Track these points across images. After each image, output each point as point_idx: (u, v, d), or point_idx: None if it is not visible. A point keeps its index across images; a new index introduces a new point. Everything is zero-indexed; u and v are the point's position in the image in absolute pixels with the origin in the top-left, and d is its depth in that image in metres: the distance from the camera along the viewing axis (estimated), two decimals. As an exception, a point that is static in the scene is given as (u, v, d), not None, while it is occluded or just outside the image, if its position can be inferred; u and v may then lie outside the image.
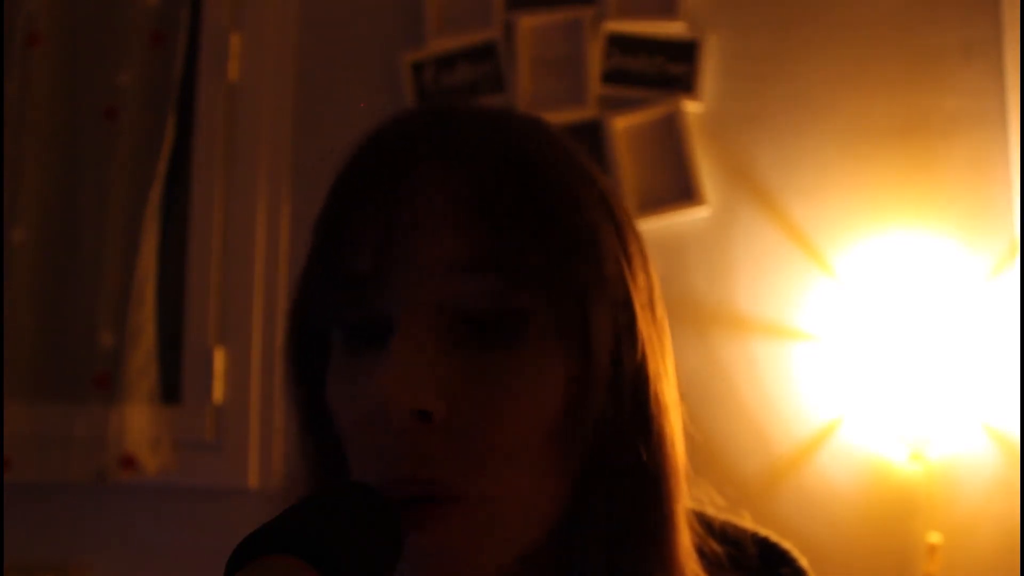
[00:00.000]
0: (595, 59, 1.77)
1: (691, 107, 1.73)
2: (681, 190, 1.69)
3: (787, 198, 1.68)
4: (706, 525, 0.64)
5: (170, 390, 1.90)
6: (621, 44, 1.77)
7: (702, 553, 0.62)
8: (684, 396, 0.62)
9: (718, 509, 0.67)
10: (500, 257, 0.53)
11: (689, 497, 0.62)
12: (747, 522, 0.68)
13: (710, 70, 1.74)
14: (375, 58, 1.90)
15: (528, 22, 1.81)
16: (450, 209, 0.54)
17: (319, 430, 0.61)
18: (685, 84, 1.73)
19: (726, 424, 1.64)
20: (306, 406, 0.62)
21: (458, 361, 0.53)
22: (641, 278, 0.60)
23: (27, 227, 1.93)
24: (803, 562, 0.68)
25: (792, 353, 1.64)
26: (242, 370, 1.88)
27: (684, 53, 1.74)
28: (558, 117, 1.70)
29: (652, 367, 0.58)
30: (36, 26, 1.97)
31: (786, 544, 0.69)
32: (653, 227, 1.68)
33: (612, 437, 0.56)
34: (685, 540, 0.60)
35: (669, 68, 1.75)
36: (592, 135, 1.72)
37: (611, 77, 1.76)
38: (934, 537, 1.52)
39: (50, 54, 1.98)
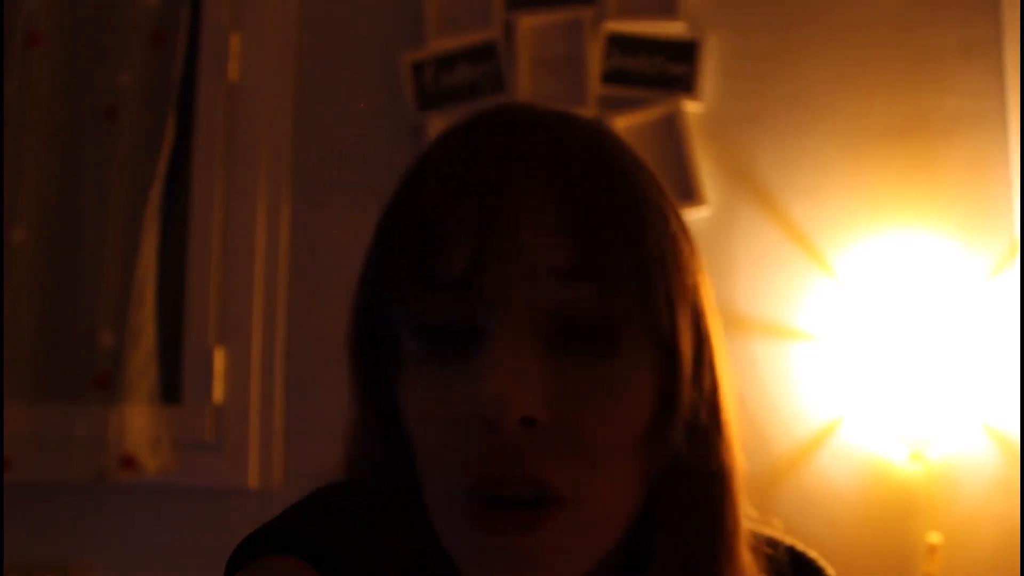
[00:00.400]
0: (595, 59, 1.77)
1: (691, 107, 1.73)
2: (681, 190, 1.69)
3: (787, 198, 1.68)
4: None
5: (170, 390, 1.90)
6: (621, 44, 1.77)
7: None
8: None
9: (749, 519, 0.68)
10: (599, 265, 0.54)
11: None
12: (776, 531, 0.68)
13: (710, 70, 1.74)
14: (375, 58, 1.90)
15: (528, 22, 1.81)
16: (548, 216, 0.54)
17: (387, 434, 0.60)
18: (685, 84, 1.73)
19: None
20: (376, 409, 0.61)
21: (556, 367, 0.54)
22: (708, 287, 0.61)
23: (27, 227, 1.93)
24: (831, 571, 0.70)
25: (792, 353, 1.64)
26: (242, 370, 1.88)
27: (684, 53, 1.74)
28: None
29: (721, 376, 0.60)
30: (36, 26, 1.97)
31: (813, 553, 0.70)
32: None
33: (690, 442, 0.58)
34: (746, 544, 0.61)
35: (669, 68, 1.75)
36: (592, 135, 1.72)
37: (611, 77, 1.76)
38: (934, 537, 1.52)
39: (50, 54, 1.98)
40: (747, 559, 0.61)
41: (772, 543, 0.67)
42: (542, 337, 0.54)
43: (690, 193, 1.69)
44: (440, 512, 0.56)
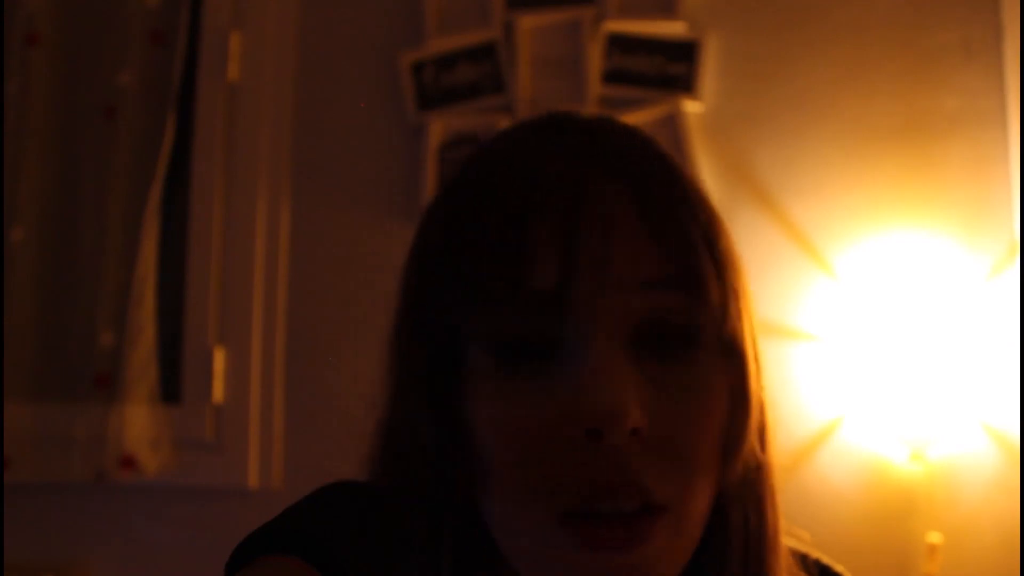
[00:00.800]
0: (595, 59, 1.77)
1: (691, 107, 1.73)
2: (681, 190, 1.69)
3: (787, 198, 1.68)
4: None
5: (170, 390, 1.90)
6: (621, 44, 1.77)
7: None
8: None
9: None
10: (684, 274, 0.54)
11: None
12: (803, 543, 0.69)
13: (710, 70, 1.74)
14: (375, 58, 1.90)
15: (528, 22, 1.81)
16: (632, 225, 0.54)
17: (453, 446, 0.57)
18: (685, 84, 1.73)
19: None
20: (442, 420, 0.57)
21: (646, 375, 0.54)
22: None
23: (27, 227, 1.93)
24: None
25: (792, 353, 1.64)
26: (242, 370, 1.88)
27: (684, 53, 1.74)
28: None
29: (765, 377, 0.61)
30: (36, 26, 1.97)
31: (840, 568, 0.70)
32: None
33: (748, 447, 0.58)
34: (786, 549, 0.62)
35: (669, 68, 1.75)
36: (592, 135, 1.72)
37: (611, 77, 1.76)
38: (934, 537, 1.52)
39: (50, 54, 1.98)
40: (789, 566, 0.62)
41: (801, 557, 0.67)
42: (632, 346, 0.54)
43: (690, 193, 1.69)
44: (525, 532, 0.54)
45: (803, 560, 0.67)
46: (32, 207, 1.94)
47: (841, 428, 1.61)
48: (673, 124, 1.72)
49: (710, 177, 1.71)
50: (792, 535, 0.67)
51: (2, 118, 1.94)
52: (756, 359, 0.60)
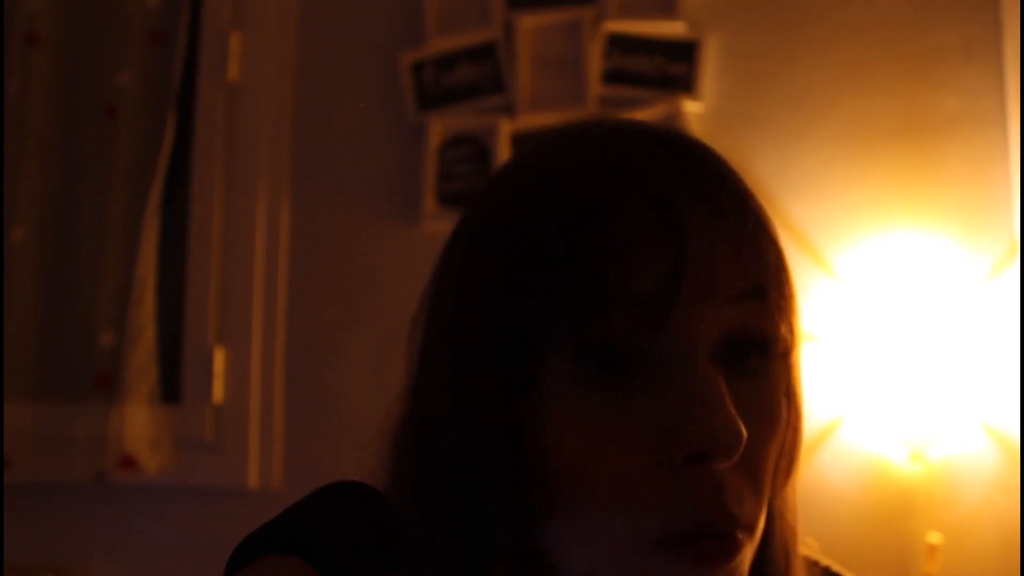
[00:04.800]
0: (595, 59, 1.77)
1: (691, 107, 1.73)
2: (681, 190, 1.69)
3: (787, 198, 1.68)
4: None
5: (170, 390, 1.90)
6: (621, 44, 1.77)
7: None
8: None
9: None
10: (767, 289, 0.54)
11: None
12: (813, 551, 0.69)
13: (710, 70, 1.74)
14: (375, 58, 1.90)
15: (528, 22, 1.81)
16: (730, 238, 0.53)
17: (525, 467, 0.53)
18: (685, 84, 1.73)
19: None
20: (516, 440, 0.53)
21: (732, 393, 0.52)
22: None
23: (27, 227, 1.93)
24: None
25: (792, 353, 1.64)
26: (242, 370, 1.88)
27: (684, 53, 1.74)
28: (558, 117, 1.70)
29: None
30: (36, 26, 1.97)
31: (849, 575, 0.69)
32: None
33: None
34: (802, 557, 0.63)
35: (669, 68, 1.75)
36: (592, 135, 1.72)
37: (611, 77, 1.76)
38: (934, 537, 1.52)
39: (50, 54, 1.98)
40: (804, 571, 0.62)
41: (812, 564, 0.67)
42: (717, 361, 0.52)
43: (690, 193, 1.69)
44: (612, 555, 0.51)
45: (812, 567, 0.67)
46: (32, 207, 1.94)
47: (841, 428, 1.61)
48: (673, 124, 1.72)
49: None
50: (801, 542, 0.67)
51: (2, 118, 1.94)
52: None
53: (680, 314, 0.50)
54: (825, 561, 0.69)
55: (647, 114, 1.73)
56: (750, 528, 0.52)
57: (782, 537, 0.60)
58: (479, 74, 1.83)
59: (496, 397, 0.53)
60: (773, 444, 0.55)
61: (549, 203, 0.53)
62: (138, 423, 1.82)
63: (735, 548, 0.51)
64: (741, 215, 0.54)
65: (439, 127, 1.82)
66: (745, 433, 0.49)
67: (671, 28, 1.76)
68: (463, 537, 0.54)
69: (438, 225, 1.75)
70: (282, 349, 1.88)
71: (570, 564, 0.53)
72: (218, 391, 1.88)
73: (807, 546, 0.67)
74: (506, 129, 1.79)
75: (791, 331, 0.57)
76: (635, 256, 0.50)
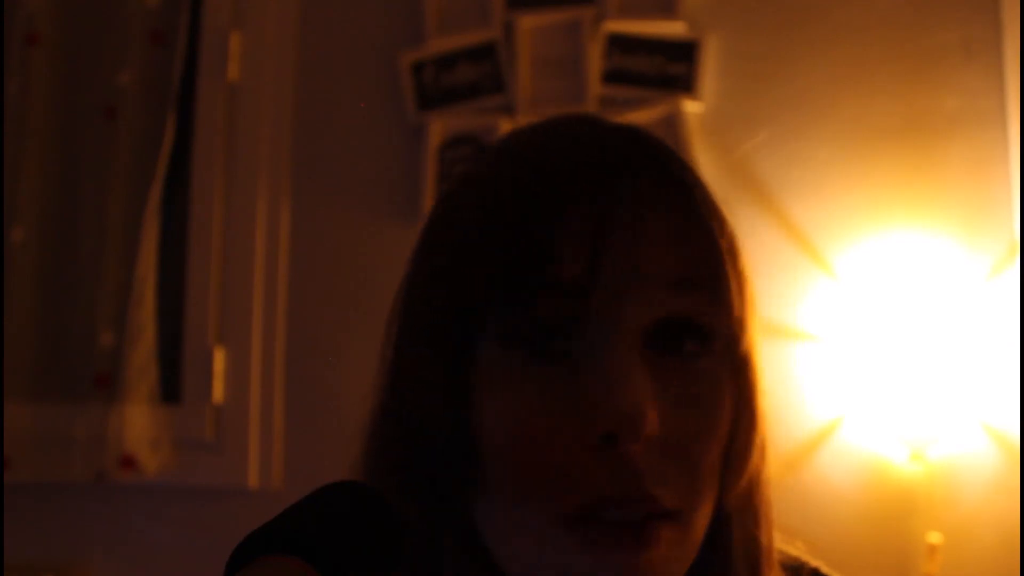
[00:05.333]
0: (595, 59, 1.77)
1: (691, 107, 1.73)
2: (681, 190, 1.69)
3: (787, 198, 1.68)
4: None
5: (170, 390, 1.90)
6: (621, 44, 1.77)
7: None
8: None
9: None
10: (705, 277, 0.54)
11: None
12: (800, 551, 0.68)
13: (710, 70, 1.74)
14: (375, 58, 1.90)
15: (528, 22, 1.81)
16: (663, 226, 0.54)
17: (462, 445, 0.55)
18: (685, 84, 1.73)
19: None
20: (438, 414, 0.56)
21: (659, 378, 0.53)
22: None
23: (27, 227, 1.93)
24: None
25: (792, 353, 1.64)
26: (242, 370, 1.88)
27: (684, 53, 1.74)
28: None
29: (768, 389, 0.61)
30: (36, 26, 1.97)
31: None
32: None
33: (752, 461, 0.58)
34: (777, 562, 0.62)
35: (669, 68, 1.75)
36: (592, 135, 1.72)
37: (611, 77, 1.76)
38: (934, 537, 1.52)
39: (50, 54, 1.98)
40: (779, 571, 0.62)
41: (797, 565, 0.67)
42: (648, 346, 0.53)
43: (690, 193, 1.69)
44: (525, 532, 0.53)
45: (799, 569, 0.66)
46: (32, 207, 1.94)
47: (841, 428, 1.61)
48: (673, 124, 1.72)
49: (710, 177, 1.71)
50: (789, 543, 0.67)
51: (2, 118, 1.94)
52: (761, 377, 0.59)
53: (601, 299, 0.52)
54: (815, 562, 0.69)
55: (647, 114, 1.74)
56: (678, 516, 0.52)
57: (744, 546, 0.58)
58: (479, 74, 1.83)
59: (436, 382, 0.55)
60: (712, 435, 0.54)
61: (485, 198, 0.56)
62: (138, 423, 1.82)
63: (651, 534, 0.51)
64: (678, 207, 0.55)
65: (439, 127, 1.82)
66: (647, 415, 0.50)
67: (671, 28, 1.76)
68: (421, 521, 0.55)
69: (438, 225, 1.75)
70: (282, 349, 1.88)
71: (498, 544, 0.55)
72: (218, 391, 1.88)
73: (795, 547, 0.67)
74: (506, 129, 1.79)
75: (735, 324, 0.56)
76: (561, 244, 0.52)
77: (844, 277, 1.63)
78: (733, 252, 0.57)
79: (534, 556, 0.53)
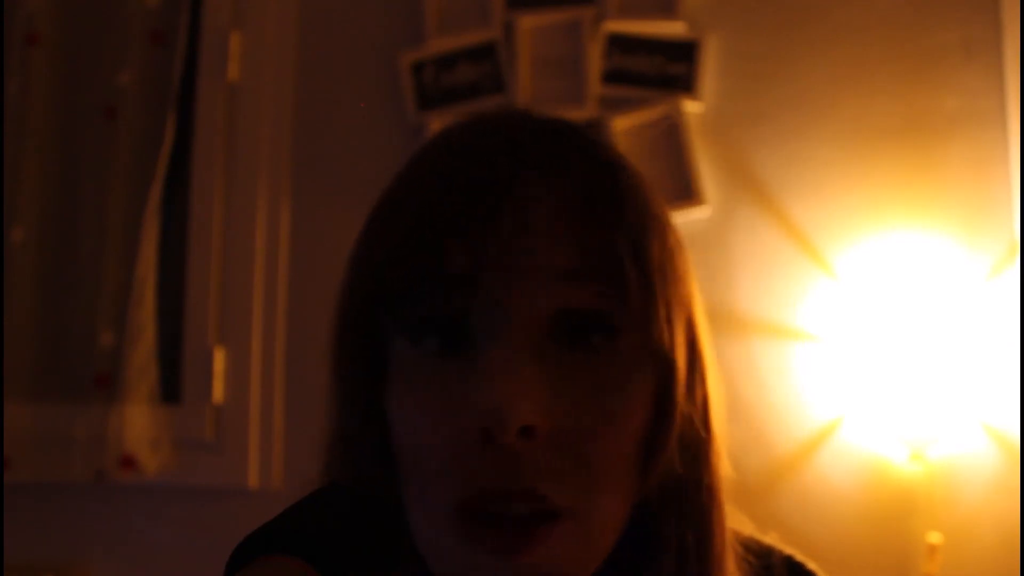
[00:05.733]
0: (595, 59, 1.77)
1: (691, 107, 1.73)
2: (681, 190, 1.69)
3: (787, 198, 1.68)
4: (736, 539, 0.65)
5: (170, 390, 1.90)
6: (621, 44, 1.77)
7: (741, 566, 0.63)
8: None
9: (742, 526, 0.67)
10: (601, 270, 0.53)
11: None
12: (772, 540, 0.68)
13: (710, 70, 1.74)
14: (375, 58, 1.90)
15: (528, 22, 1.81)
16: (551, 218, 0.54)
17: (368, 441, 0.58)
18: (685, 84, 1.73)
19: (726, 424, 1.63)
20: (361, 415, 0.59)
21: (554, 372, 0.52)
22: (699, 297, 0.61)
23: (27, 227, 1.93)
24: None
25: (792, 353, 1.64)
26: (242, 370, 1.88)
27: (684, 53, 1.74)
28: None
29: (712, 388, 0.60)
30: (36, 26, 1.97)
31: (812, 565, 0.69)
32: (653, 227, 1.68)
33: (682, 455, 0.57)
34: (732, 558, 0.61)
35: (669, 68, 1.75)
36: (592, 135, 1.72)
37: (611, 77, 1.76)
38: (934, 537, 1.52)
39: (50, 54, 1.98)
40: (733, 572, 0.60)
41: (768, 551, 0.66)
42: (540, 340, 0.53)
43: (690, 193, 1.69)
44: (426, 526, 0.54)
45: (769, 557, 0.66)
46: (32, 207, 1.94)
47: (841, 428, 1.61)
48: (673, 124, 1.72)
49: (710, 177, 1.71)
50: (762, 533, 0.67)
51: (2, 118, 1.94)
52: (697, 370, 0.58)
53: (487, 291, 0.52)
54: (788, 551, 0.68)
55: (647, 114, 1.74)
56: (563, 514, 0.52)
57: (677, 545, 0.57)
58: (479, 74, 1.83)
59: (357, 378, 0.58)
60: (618, 430, 0.54)
61: (395, 198, 0.58)
62: (138, 423, 1.82)
63: (536, 532, 0.51)
64: (577, 199, 0.54)
65: (439, 127, 1.81)
66: (519, 410, 0.50)
67: (671, 28, 1.76)
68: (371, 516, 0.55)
69: (438, 225, 1.75)
70: (282, 349, 1.88)
71: (416, 539, 0.55)
72: (218, 391, 1.88)
73: (769, 537, 0.67)
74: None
75: (647, 316, 0.54)
76: (451, 238, 0.53)
77: (844, 277, 1.63)
78: (644, 250, 0.55)
79: (435, 545, 0.54)
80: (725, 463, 0.61)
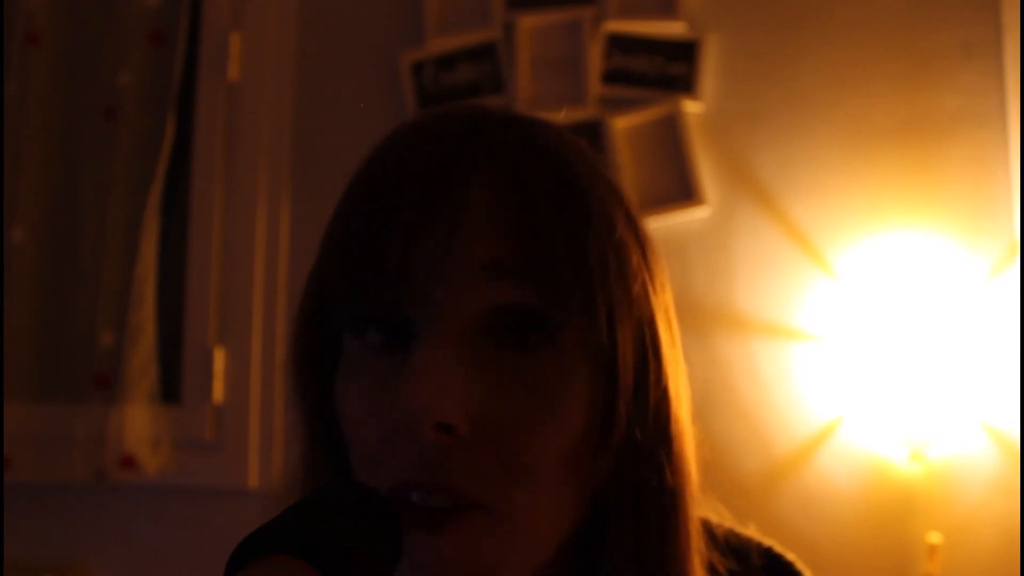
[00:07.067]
0: (595, 59, 1.77)
1: (691, 107, 1.73)
2: (681, 190, 1.69)
3: (787, 198, 1.68)
4: (710, 536, 0.64)
5: (170, 390, 1.90)
6: (621, 44, 1.77)
7: (710, 568, 0.62)
8: (691, 398, 0.62)
9: (722, 519, 0.67)
10: (536, 266, 0.53)
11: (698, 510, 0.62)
12: (752, 532, 0.67)
13: (710, 70, 1.74)
14: (375, 58, 1.90)
15: (528, 22, 1.81)
16: (486, 214, 0.53)
17: (325, 434, 0.60)
18: (685, 84, 1.73)
19: (726, 424, 1.64)
20: (314, 408, 0.61)
21: (483, 371, 0.53)
22: (663, 297, 0.60)
23: (27, 227, 1.93)
24: (808, 575, 0.68)
25: (792, 353, 1.64)
26: (242, 370, 1.88)
27: (684, 53, 1.74)
28: (558, 117, 1.70)
29: (673, 388, 0.58)
30: (36, 26, 1.97)
31: (791, 556, 0.68)
32: (653, 227, 1.68)
33: (634, 456, 0.56)
34: (697, 558, 0.60)
35: (669, 68, 1.75)
36: (592, 135, 1.72)
37: (611, 77, 1.76)
38: (934, 537, 1.52)
39: (50, 54, 1.98)
40: (700, 573, 0.60)
41: (746, 544, 0.66)
42: (473, 337, 0.53)
43: (690, 193, 1.69)
44: None
45: (748, 548, 0.66)
46: (32, 207, 1.94)
47: (841, 428, 1.61)
48: (673, 124, 1.72)
49: (710, 177, 1.71)
50: (740, 524, 0.66)
51: (2, 118, 1.94)
52: (649, 372, 0.57)
53: (416, 288, 0.53)
54: (768, 542, 0.68)
55: (647, 114, 1.74)
56: (488, 508, 0.52)
57: (633, 545, 0.57)
58: (479, 74, 1.83)
59: (312, 372, 0.60)
60: (553, 429, 0.53)
61: (346, 196, 0.59)
62: (138, 423, 1.82)
63: (451, 523, 0.52)
64: (513, 197, 0.54)
65: (439, 127, 1.82)
66: (436, 407, 0.50)
67: (671, 28, 1.76)
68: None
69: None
70: (282, 349, 1.88)
71: None
72: (218, 391, 1.88)
73: (747, 527, 0.67)
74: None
75: (589, 313, 0.54)
76: (389, 237, 0.54)
77: (844, 277, 1.63)
78: (586, 247, 0.54)
79: None
80: (690, 466, 0.59)
